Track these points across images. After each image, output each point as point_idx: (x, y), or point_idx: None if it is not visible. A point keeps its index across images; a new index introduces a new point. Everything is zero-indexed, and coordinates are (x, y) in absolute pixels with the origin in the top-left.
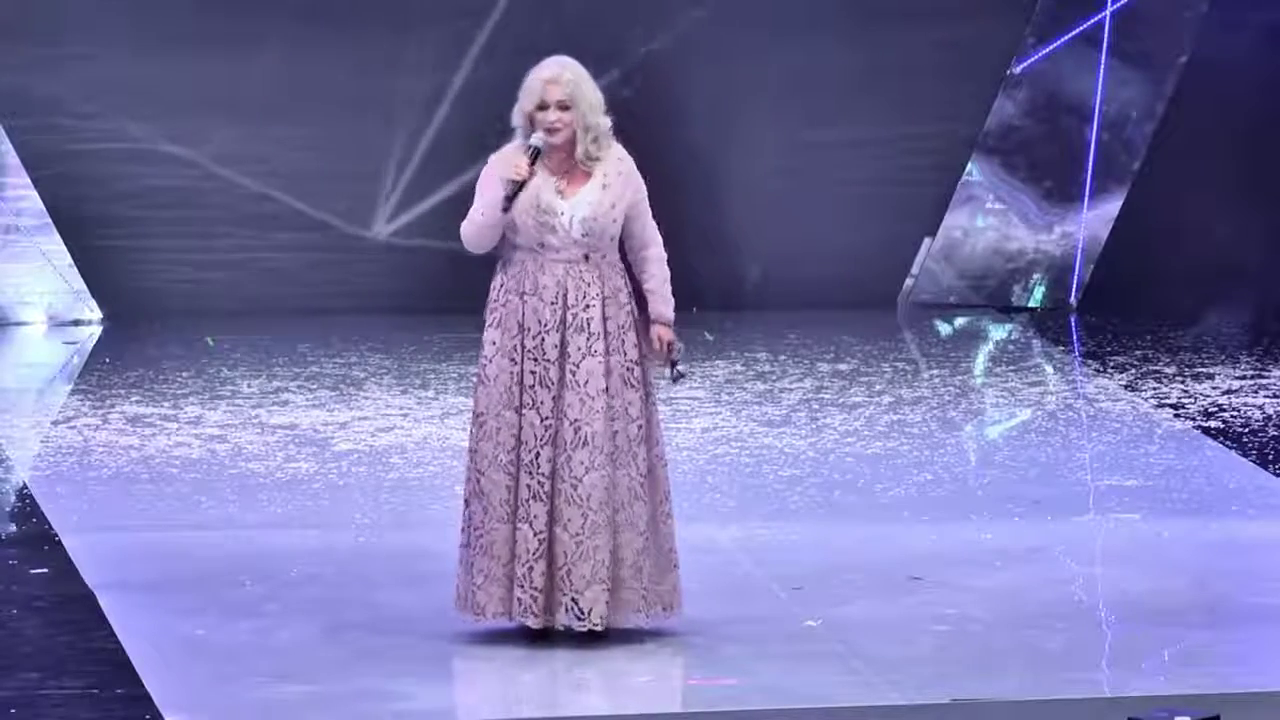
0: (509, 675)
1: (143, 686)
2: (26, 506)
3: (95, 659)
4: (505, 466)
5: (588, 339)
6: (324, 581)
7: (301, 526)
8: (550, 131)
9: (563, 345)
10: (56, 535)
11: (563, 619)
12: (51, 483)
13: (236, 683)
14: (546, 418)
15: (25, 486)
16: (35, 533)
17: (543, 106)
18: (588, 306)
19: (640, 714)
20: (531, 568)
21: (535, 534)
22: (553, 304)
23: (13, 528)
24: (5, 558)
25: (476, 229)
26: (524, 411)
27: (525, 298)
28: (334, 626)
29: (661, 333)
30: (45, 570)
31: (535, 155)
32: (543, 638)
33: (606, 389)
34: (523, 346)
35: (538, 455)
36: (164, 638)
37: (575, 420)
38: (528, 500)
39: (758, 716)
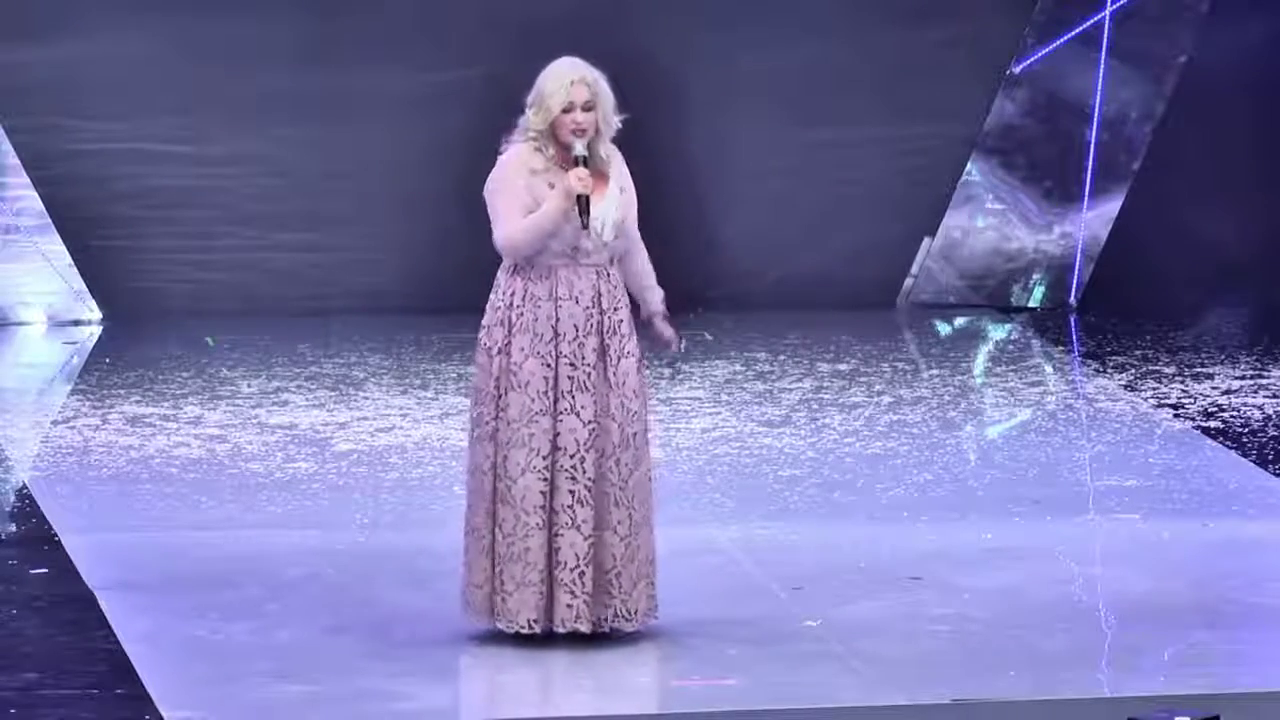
0: (508, 675)
1: (143, 686)
2: (26, 506)
3: (95, 659)
4: (540, 472)
5: (620, 341)
6: (324, 581)
7: (301, 526)
8: (576, 133)
9: (602, 349)
10: (56, 535)
11: (610, 622)
12: (51, 483)
13: (236, 683)
14: (589, 422)
15: (25, 486)
16: (35, 533)
17: (569, 109)
18: (617, 309)
19: (639, 714)
20: (583, 573)
21: (585, 538)
22: (588, 308)
23: (13, 528)
24: (5, 558)
25: (531, 237)
26: (561, 417)
27: (560, 302)
28: (334, 626)
29: (668, 324)
30: (45, 570)
31: (584, 162)
32: (543, 638)
33: (639, 389)
34: (557, 352)
35: (582, 460)
36: (164, 638)
37: (620, 422)
38: (571, 506)
39: (758, 716)
